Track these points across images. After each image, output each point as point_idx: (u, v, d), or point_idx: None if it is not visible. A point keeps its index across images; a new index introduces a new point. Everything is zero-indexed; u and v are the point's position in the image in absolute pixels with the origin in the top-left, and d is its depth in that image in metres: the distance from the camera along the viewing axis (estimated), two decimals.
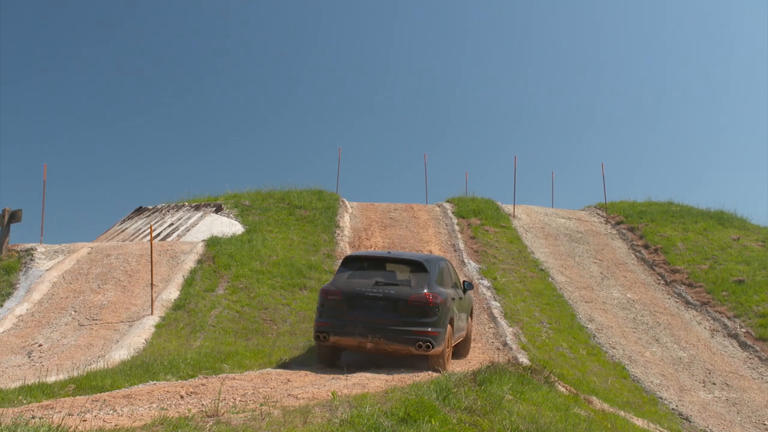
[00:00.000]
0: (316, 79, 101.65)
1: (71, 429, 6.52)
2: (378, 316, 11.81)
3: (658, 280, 22.61)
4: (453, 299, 12.84)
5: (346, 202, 26.94)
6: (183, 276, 18.36)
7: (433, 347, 11.75)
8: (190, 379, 11.15)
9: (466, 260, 21.80)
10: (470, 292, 16.28)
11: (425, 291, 11.94)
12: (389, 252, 13.53)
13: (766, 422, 14.83)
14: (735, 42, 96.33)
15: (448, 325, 12.29)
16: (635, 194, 40.92)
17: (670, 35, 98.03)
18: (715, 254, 23.51)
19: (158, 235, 23.26)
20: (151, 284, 16.66)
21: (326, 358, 12.58)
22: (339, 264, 20.27)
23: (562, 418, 9.33)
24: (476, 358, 14.77)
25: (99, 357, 13.74)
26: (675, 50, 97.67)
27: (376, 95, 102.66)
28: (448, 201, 28.52)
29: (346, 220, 24.72)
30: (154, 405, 8.76)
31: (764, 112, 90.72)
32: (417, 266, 12.46)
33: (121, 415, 8.04)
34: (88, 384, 10.82)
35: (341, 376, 11.23)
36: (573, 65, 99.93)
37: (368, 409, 7.71)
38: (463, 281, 14.66)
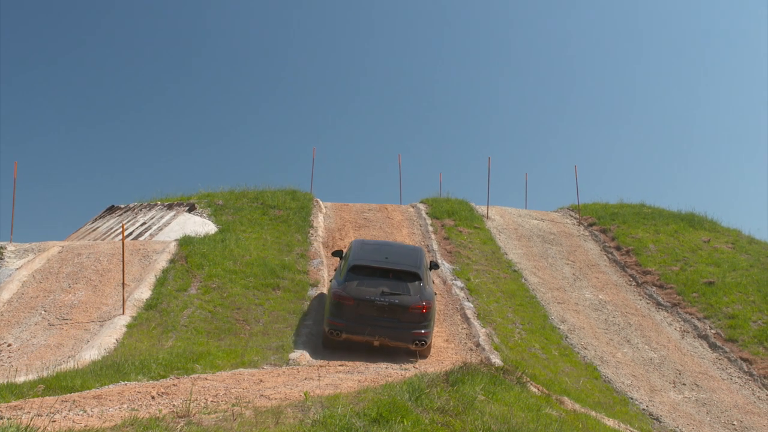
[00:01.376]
0: (290, 80, 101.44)
1: (40, 430, 6.46)
2: (384, 320, 14.64)
3: (630, 281, 22.79)
4: (435, 294, 15.72)
5: (320, 202, 26.89)
6: (155, 275, 18.23)
7: (426, 344, 14.78)
8: (161, 380, 11.09)
9: (439, 261, 21.83)
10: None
11: (421, 301, 14.79)
12: (387, 258, 15.68)
13: (734, 422, 14.99)
14: (707, 44, 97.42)
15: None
16: (608, 196, 41.21)
17: (642, 39, 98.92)
18: (686, 256, 23.74)
19: (130, 234, 23.09)
20: (123, 284, 16.52)
21: (330, 346, 15.13)
22: (315, 262, 20.34)
23: (533, 418, 9.38)
24: (449, 358, 14.82)
25: (69, 357, 13.61)
26: (647, 53, 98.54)
27: (351, 96, 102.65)
28: (422, 202, 28.55)
29: (320, 220, 24.68)
30: (125, 405, 8.71)
31: (735, 114, 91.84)
32: (413, 276, 15.18)
33: (91, 416, 7.98)
34: (58, 384, 10.72)
35: (314, 376, 11.22)
36: (547, 67, 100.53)
37: (341, 410, 7.72)
38: (430, 261, 17.43)
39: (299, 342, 15.18)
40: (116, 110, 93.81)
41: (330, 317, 14.84)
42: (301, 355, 14.07)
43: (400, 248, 17.32)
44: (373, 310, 14.68)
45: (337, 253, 17.98)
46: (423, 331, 14.65)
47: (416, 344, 14.65)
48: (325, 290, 18.49)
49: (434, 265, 17.32)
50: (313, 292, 18.56)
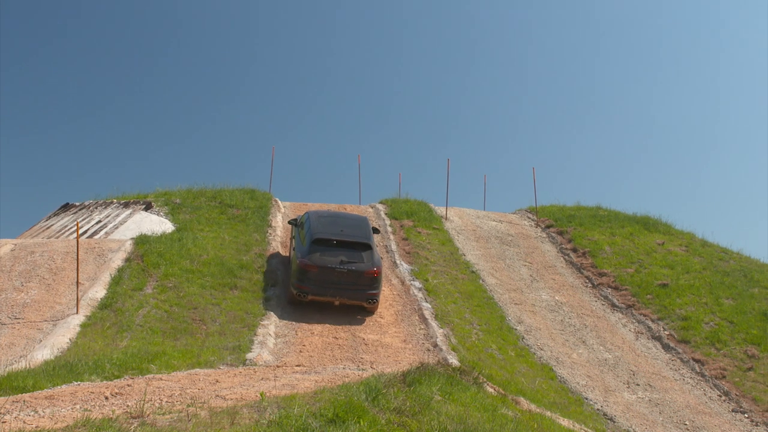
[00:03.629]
0: (249, 78, 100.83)
1: None
2: (343, 283, 17.56)
3: (586, 283, 23.03)
4: (381, 258, 19.01)
5: (279, 202, 26.78)
6: (110, 274, 18.01)
7: (376, 302, 17.88)
8: (115, 380, 10.96)
9: (398, 261, 21.87)
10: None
11: (373, 267, 17.77)
12: (342, 230, 18.37)
13: (686, 422, 15.24)
14: (661, 47, 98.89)
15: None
16: (565, 198, 41.60)
17: (598, 41, 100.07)
18: (641, 258, 24.07)
19: (85, 232, 22.78)
20: (77, 282, 16.29)
21: (296, 303, 17.97)
22: (273, 262, 20.27)
23: (489, 418, 9.44)
24: (407, 359, 14.84)
25: (21, 357, 13.39)
26: (603, 55, 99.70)
27: (311, 96, 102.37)
28: (381, 202, 28.56)
29: (278, 220, 24.58)
30: (78, 406, 8.59)
31: (688, 118, 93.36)
32: (365, 246, 18.09)
33: (43, 417, 7.88)
34: (9, 384, 10.55)
35: (271, 376, 11.18)
36: (506, 69, 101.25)
37: (297, 410, 7.70)
38: (373, 227, 20.26)
39: (256, 342, 15.08)
40: (72, 108, 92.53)
41: (297, 282, 17.67)
42: (258, 356, 14.00)
43: (351, 219, 20.14)
44: (333, 275, 17.55)
45: (293, 221, 20.83)
46: (374, 291, 17.75)
47: (369, 302, 17.74)
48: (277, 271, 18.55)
49: (375, 230, 20.71)
50: (271, 293, 18.50)
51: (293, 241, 19.83)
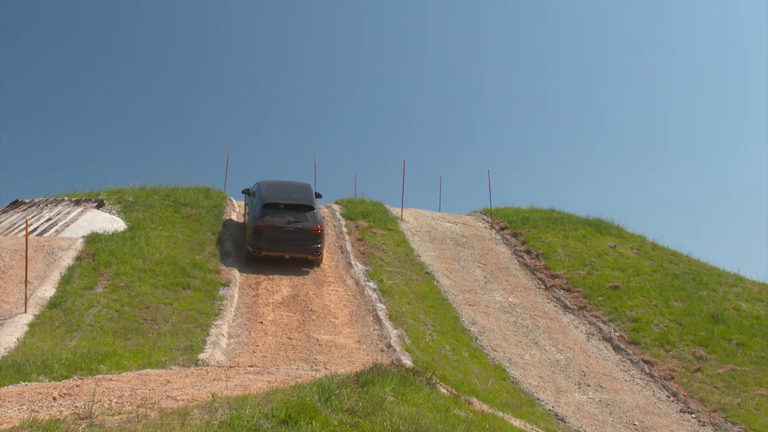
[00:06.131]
0: (205, 76, 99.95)
1: None
2: (292, 239, 20.65)
3: (539, 284, 23.24)
4: (323, 218, 22.56)
5: (234, 201, 26.63)
6: (60, 273, 17.73)
7: (320, 254, 21.12)
8: (64, 380, 10.80)
9: (353, 262, 21.87)
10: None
11: (317, 225, 20.90)
12: (288, 195, 21.40)
13: (635, 422, 15.46)
14: (609, 50, 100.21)
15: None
16: (519, 200, 41.90)
17: (548, 43, 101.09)
18: (593, 261, 24.36)
19: (35, 230, 22.39)
20: (26, 281, 16.01)
21: (252, 259, 20.83)
22: (227, 261, 20.17)
23: (442, 419, 9.47)
24: (360, 359, 14.83)
25: None
26: (555, 56, 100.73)
27: (266, 93, 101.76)
28: (336, 202, 28.52)
29: (233, 219, 24.44)
30: (25, 407, 8.45)
31: (639, 120, 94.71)
32: (309, 208, 21.23)
33: None
34: None
35: (223, 377, 11.10)
36: (458, 71, 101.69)
37: (248, 411, 7.66)
38: (315, 193, 22.88)
39: (209, 342, 14.95)
40: (22, 104, 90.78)
41: (252, 240, 20.64)
42: (210, 356, 13.88)
43: (295, 186, 22.69)
44: (282, 233, 20.55)
45: (246, 191, 23.43)
46: (318, 245, 20.87)
47: (314, 254, 20.87)
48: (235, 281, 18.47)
49: (318, 195, 23.32)
50: (224, 292, 18.37)
51: (247, 207, 22.58)
